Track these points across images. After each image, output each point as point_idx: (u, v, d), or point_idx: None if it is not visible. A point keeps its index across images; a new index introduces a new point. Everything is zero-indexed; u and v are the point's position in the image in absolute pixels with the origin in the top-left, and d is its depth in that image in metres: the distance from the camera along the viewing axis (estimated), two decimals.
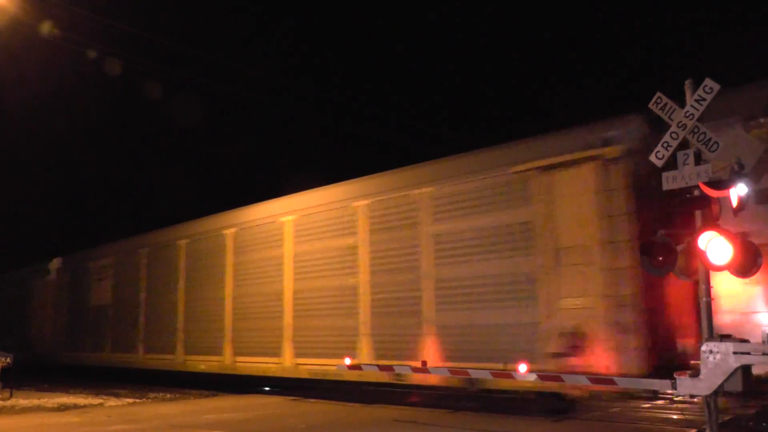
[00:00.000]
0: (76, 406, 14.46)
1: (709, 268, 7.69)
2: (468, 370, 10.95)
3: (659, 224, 8.50)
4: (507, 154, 12.09)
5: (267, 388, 16.95)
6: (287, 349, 15.36)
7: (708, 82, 7.85)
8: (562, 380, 9.55)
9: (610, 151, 10.48)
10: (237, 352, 16.91)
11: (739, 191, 7.69)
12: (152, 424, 11.83)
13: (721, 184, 7.70)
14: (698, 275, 7.86)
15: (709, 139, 7.81)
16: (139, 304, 21.05)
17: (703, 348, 7.50)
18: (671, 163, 8.09)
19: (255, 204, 17.59)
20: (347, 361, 12.34)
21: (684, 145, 8.03)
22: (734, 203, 7.72)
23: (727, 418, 8.93)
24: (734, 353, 7.32)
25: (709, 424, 7.50)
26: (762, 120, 8.98)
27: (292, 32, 46.41)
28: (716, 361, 7.39)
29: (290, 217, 15.97)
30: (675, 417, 10.24)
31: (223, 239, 17.87)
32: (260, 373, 16.16)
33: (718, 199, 7.84)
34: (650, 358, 9.72)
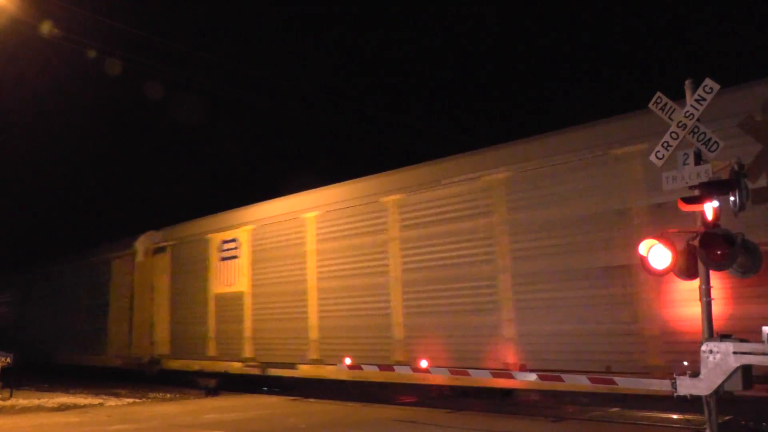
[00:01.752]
0: (76, 406, 14.48)
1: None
2: (468, 370, 10.95)
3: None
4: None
5: (266, 388, 16.97)
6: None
7: (708, 82, 7.85)
8: (562, 380, 9.56)
9: None
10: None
11: (738, 191, 7.69)
12: (152, 423, 11.84)
13: (721, 184, 7.70)
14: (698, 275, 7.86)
15: (709, 139, 7.82)
16: None
17: (703, 348, 7.50)
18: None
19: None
20: (347, 360, 12.35)
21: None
22: (734, 203, 7.71)
23: (727, 418, 8.93)
24: (734, 353, 7.32)
25: (709, 424, 7.50)
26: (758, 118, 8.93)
27: (292, 31, 46.42)
28: (716, 361, 7.39)
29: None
30: (675, 417, 10.23)
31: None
32: None
33: (718, 199, 7.83)
34: None
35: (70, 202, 41.65)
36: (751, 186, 7.99)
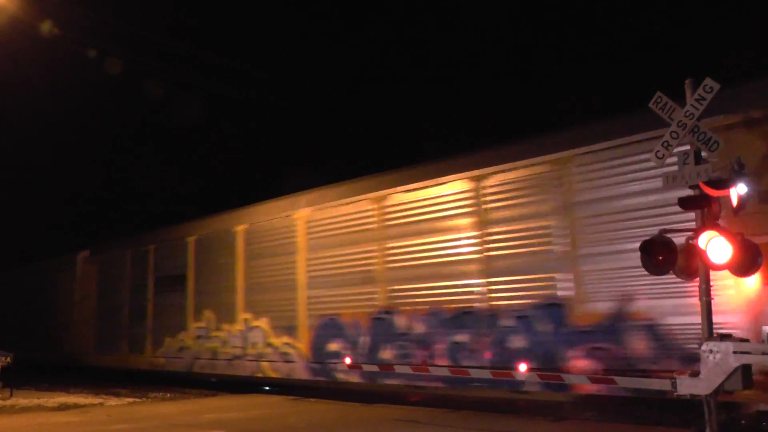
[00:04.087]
0: (76, 406, 14.47)
1: (709, 268, 7.69)
2: (468, 370, 10.97)
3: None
4: None
5: (267, 388, 16.97)
6: None
7: (708, 81, 7.85)
8: (561, 380, 9.57)
9: None
10: None
11: (739, 191, 7.69)
12: (152, 423, 11.84)
13: (721, 183, 7.71)
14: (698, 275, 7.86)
15: (709, 139, 7.82)
16: None
17: (703, 347, 7.50)
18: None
19: None
20: (347, 360, 12.37)
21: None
22: (734, 203, 7.72)
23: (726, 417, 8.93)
24: (734, 353, 7.33)
25: (709, 424, 7.51)
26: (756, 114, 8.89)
27: (290, 31, 46.40)
28: (716, 361, 7.39)
29: None
30: (674, 417, 10.23)
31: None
32: None
33: (718, 199, 7.84)
34: None
35: (69, 200, 41.65)
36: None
